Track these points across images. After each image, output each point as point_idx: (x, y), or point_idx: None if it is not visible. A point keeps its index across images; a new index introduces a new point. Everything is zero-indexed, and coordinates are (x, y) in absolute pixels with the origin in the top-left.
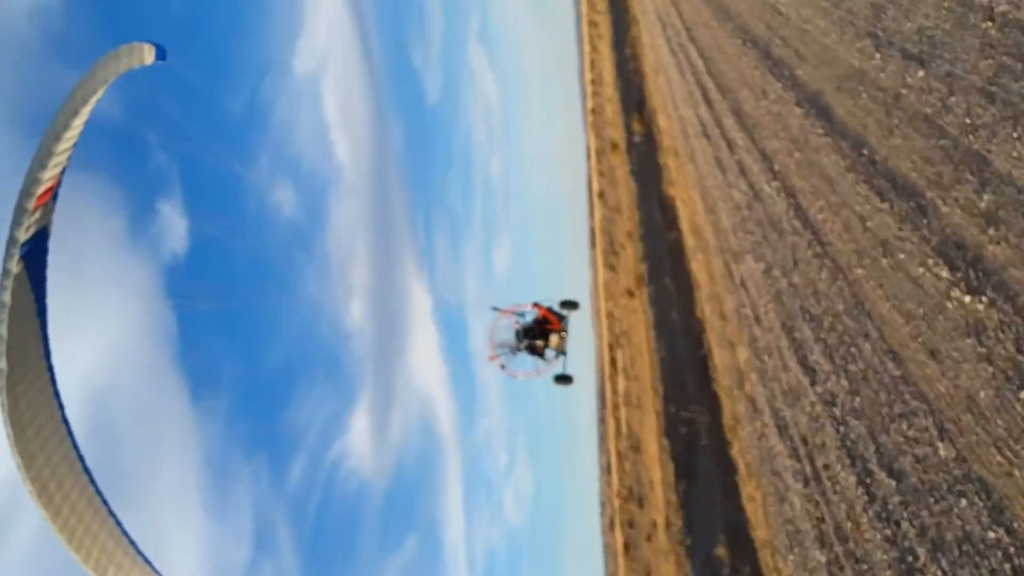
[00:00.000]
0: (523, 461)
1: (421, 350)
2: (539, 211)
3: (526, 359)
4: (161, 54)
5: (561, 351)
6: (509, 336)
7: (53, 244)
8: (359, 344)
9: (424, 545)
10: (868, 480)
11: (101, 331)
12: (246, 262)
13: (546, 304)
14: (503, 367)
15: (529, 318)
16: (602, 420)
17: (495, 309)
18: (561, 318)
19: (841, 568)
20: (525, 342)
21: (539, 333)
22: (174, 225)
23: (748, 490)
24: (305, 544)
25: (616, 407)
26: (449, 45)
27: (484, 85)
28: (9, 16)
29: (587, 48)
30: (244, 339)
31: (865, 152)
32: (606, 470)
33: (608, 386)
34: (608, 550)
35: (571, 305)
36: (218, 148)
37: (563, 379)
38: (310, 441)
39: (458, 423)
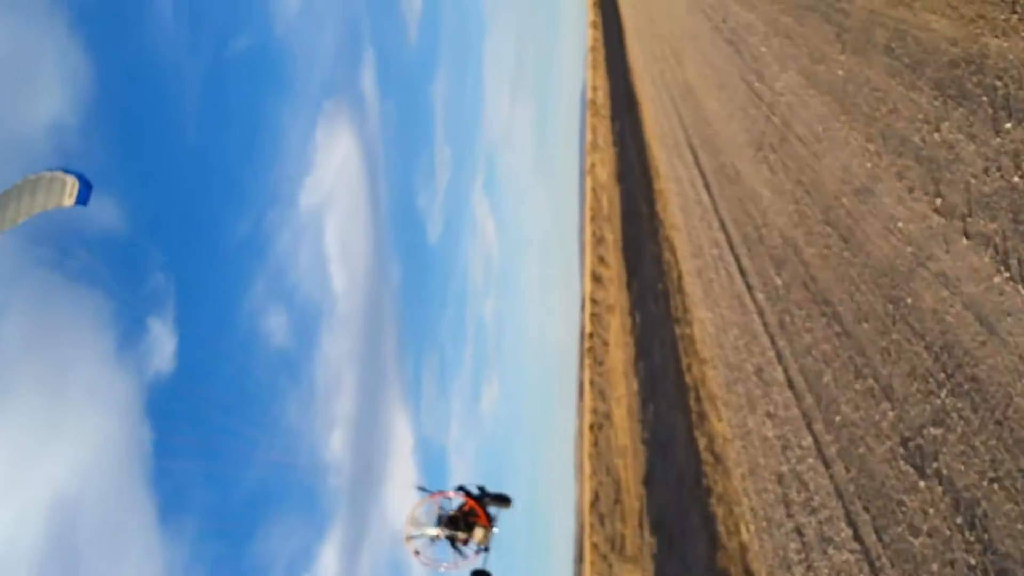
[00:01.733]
0: None
1: (398, 488)
2: (530, 357)
3: (446, 548)
4: (83, 198)
5: (484, 547)
6: (431, 520)
7: (41, 352)
8: (335, 477)
9: None
10: None
11: (77, 443)
12: (231, 387)
13: (475, 493)
14: (417, 553)
15: (455, 504)
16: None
17: (421, 490)
18: (487, 507)
19: None
20: (446, 531)
21: (464, 524)
22: (163, 344)
23: None
24: None
25: None
26: (454, 191)
27: (485, 232)
28: (25, 128)
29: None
30: (219, 462)
31: None
32: None
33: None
34: None
35: (502, 500)
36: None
37: None
38: (277, 572)
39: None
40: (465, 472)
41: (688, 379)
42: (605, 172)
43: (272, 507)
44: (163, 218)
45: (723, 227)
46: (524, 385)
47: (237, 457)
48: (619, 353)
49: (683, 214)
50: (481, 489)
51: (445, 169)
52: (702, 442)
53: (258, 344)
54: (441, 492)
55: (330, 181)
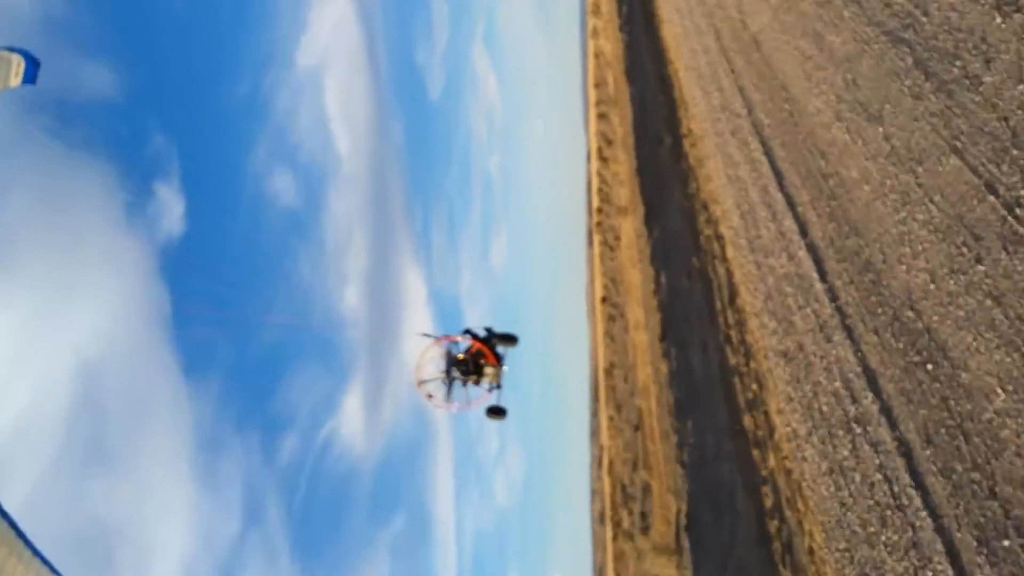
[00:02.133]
0: (514, 448)
1: (414, 337)
2: (537, 210)
3: (459, 390)
4: (30, 77)
5: (496, 384)
6: (441, 364)
7: (53, 222)
8: (353, 329)
9: (412, 522)
10: None
11: (96, 307)
12: (243, 246)
13: (481, 335)
14: (430, 397)
15: (463, 347)
16: (594, 414)
17: (426, 336)
18: (495, 347)
19: None
20: (455, 373)
21: (473, 366)
22: (171, 207)
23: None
24: (295, 519)
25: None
26: (453, 46)
27: (486, 86)
28: None
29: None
30: (240, 318)
31: None
32: (597, 463)
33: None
34: (597, 541)
35: (508, 339)
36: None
37: (496, 412)
38: (302, 419)
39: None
40: (480, 319)
41: (749, 427)
42: (609, 49)
43: (295, 359)
44: (159, 81)
45: (862, 362)
46: (533, 236)
47: (252, 322)
48: (635, 274)
49: (742, 220)
50: (488, 330)
51: (443, 23)
52: (773, 529)
53: (265, 205)
54: (448, 336)
55: (326, 39)
